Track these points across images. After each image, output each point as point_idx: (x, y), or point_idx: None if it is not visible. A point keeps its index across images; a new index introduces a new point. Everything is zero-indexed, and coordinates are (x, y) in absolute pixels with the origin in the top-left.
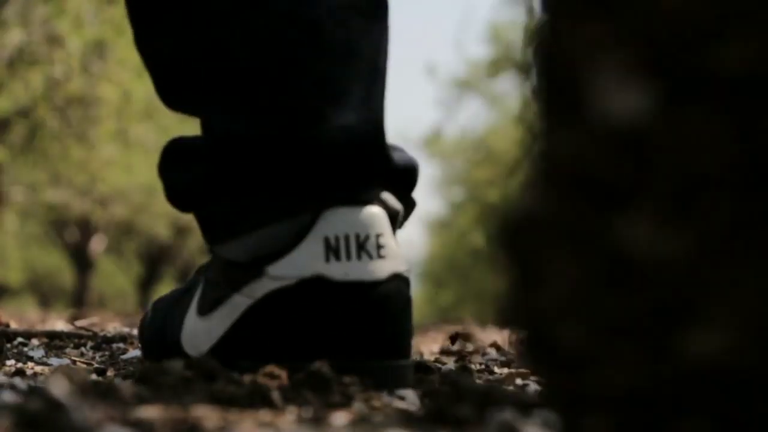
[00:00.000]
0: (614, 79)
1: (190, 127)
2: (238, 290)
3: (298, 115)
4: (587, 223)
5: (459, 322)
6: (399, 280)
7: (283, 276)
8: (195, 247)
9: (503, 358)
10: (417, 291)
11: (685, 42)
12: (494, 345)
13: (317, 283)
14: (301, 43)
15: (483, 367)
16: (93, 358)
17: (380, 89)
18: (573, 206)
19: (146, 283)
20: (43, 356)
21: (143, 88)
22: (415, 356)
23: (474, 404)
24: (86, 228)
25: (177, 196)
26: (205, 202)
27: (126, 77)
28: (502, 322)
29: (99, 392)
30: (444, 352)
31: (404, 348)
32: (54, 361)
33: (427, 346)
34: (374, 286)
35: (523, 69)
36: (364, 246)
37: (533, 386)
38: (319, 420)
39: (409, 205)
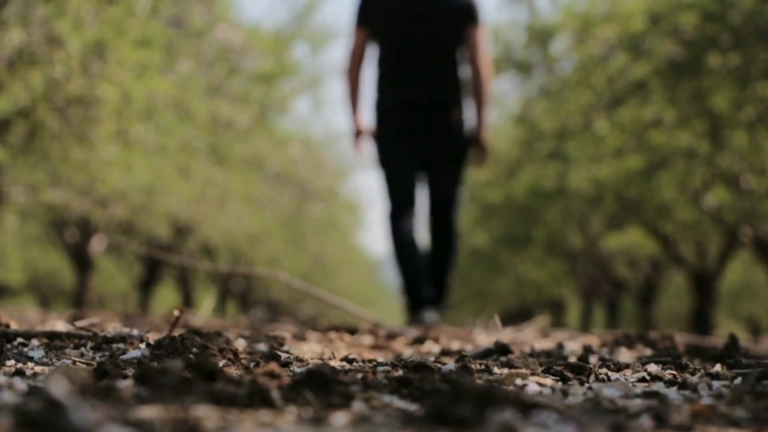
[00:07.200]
0: None
1: (189, 127)
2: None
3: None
4: None
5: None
6: None
7: None
8: (195, 247)
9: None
10: None
11: None
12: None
13: None
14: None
15: (483, 367)
16: (93, 359)
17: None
18: None
19: (146, 284)
20: (43, 356)
21: (143, 88)
22: (415, 356)
23: (474, 404)
24: (86, 228)
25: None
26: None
27: (126, 77)
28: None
29: (99, 392)
30: (444, 352)
31: None
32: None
33: (427, 346)
34: None
35: (523, 69)
36: None
37: (533, 386)
38: (319, 420)
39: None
